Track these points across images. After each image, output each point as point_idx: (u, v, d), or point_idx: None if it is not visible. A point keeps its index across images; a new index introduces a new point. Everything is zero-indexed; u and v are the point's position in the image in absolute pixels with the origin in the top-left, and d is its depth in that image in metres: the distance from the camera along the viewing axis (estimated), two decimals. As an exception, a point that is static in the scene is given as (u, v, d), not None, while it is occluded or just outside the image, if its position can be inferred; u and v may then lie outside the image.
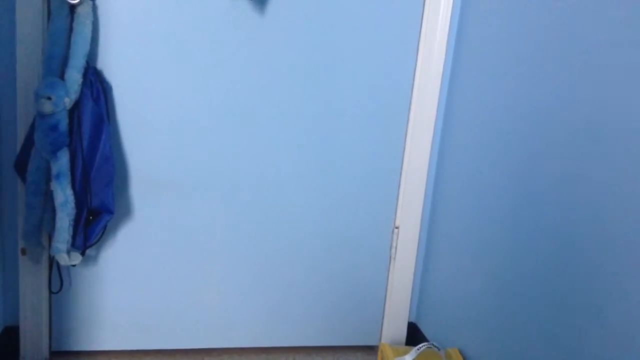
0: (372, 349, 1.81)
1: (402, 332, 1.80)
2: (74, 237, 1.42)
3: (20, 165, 1.41)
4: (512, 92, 1.32)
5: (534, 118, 1.22)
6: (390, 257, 1.75)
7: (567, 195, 1.09)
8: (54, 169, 1.37)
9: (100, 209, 1.44)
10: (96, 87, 1.42)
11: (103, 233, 1.52)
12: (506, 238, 1.31)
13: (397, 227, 1.73)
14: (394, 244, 1.74)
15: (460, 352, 1.46)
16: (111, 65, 1.47)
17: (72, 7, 1.36)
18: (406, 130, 1.67)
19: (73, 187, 1.39)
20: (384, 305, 1.79)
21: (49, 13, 1.39)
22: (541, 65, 1.20)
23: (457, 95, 1.60)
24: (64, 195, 1.37)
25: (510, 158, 1.31)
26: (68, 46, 1.36)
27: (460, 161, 1.57)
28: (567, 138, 1.10)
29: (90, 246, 1.48)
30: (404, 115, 1.66)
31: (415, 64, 1.63)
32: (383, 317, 1.80)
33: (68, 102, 1.35)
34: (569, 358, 1.06)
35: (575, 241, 1.06)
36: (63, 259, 1.43)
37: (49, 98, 1.32)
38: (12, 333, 1.55)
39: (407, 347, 1.45)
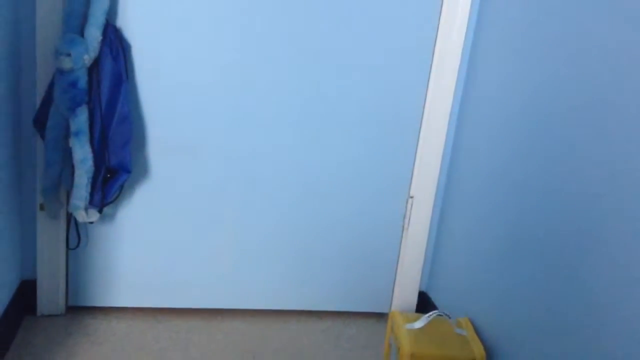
0: (382, 316, 1.83)
1: (413, 301, 1.82)
2: (91, 194, 1.43)
3: (39, 122, 1.42)
4: (530, 64, 1.30)
5: (549, 91, 1.20)
6: (403, 226, 1.76)
7: (579, 165, 1.08)
8: (73, 126, 1.37)
9: (117, 167, 1.45)
10: (115, 45, 1.41)
11: (120, 192, 1.53)
12: (519, 211, 1.31)
13: (411, 197, 1.73)
14: (407, 214, 1.74)
15: (471, 321, 1.47)
16: (130, 24, 1.46)
17: (93, -37, 1.35)
18: (424, 100, 1.65)
19: (91, 145, 1.40)
20: (396, 273, 1.80)
21: (70, -31, 1.38)
22: (560, 46, 1.18)
23: (477, 65, 1.58)
24: (82, 153, 1.39)
25: (527, 130, 1.30)
26: (88, 3, 1.35)
27: (478, 132, 1.55)
28: (578, 109, 1.08)
29: (108, 204, 1.50)
30: (422, 83, 1.64)
31: (437, 27, 1.60)
32: (394, 285, 1.81)
33: (87, 59, 1.35)
34: (579, 327, 1.07)
35: (586, 212, 1.06)
36: (81, 216, 1.45)
37: (69, 55, 1.32)
38: (30, 287, 1.59)
39: (418, 315, 1.46)
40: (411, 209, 1.73)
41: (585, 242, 1.07)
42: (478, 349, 1.35)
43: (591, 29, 1.10)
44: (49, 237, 1.55)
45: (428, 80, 1.64)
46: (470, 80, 1.62)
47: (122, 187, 1.51)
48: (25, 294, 1.58)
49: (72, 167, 1.41)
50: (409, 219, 1.74)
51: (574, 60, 1.15)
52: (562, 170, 1.16)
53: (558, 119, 1.19)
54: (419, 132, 1.68)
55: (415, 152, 1.69)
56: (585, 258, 1.07)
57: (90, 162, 1.40)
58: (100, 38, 1.36)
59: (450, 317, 1.44)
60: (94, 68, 1.39)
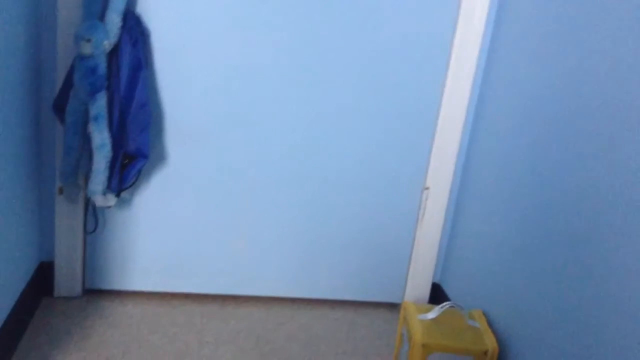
0: (394, 306, 1.84)
1: (426, 292, 1.82)
2: (109, 179, 1.45)
3: (59, 107, 1.44)
4: (552, 55, 1.28)
5: (571, 83, 1.19)
6: (418, 217, 1.75)
7: (597, 159, 1.07)
8: (92, 112, 1.39)
9: (135, 153, 1.47)
10: (135, 32, 1.42)
11: (138, 177, 1.55)
12: (535, 204, 1.30)
13: (427, 188, 1.72)
14: (422, 205, 1.74)
15: (484, 313, 1.47)
16: (150, 11, 1.47)
17: (114, -51, 1.36)
18: (441, 92, 1.64)
19: (110, 130, 1.42)
20: (409, 264, 1.80)
21: (91, -46, 1.39)
22: (584, 37, 1.17)
23: (497, 57, 1.57)
24: (101, 138, 1.40)
25: (545, 122, 1.29)
26: (109, -11, 1.37)
27: (495, 124, 1.54)
28: (600, 103, 1.07)
29: (125, 189, 1.52)
30: (440, 75, 1.63)
31: (457, 16, 1.59)
32: (407, 276, 1.81)
33: (107, 45, 1.36)
34: (593, 320, 1.06)
35: (602, 205, 1.05)
36: (98, 200, 1.47)
37: (89, 40, 1.33)
38: (48, 269, 1.61)
39: (430, 306, 1.46)
40: (426, 200, 1.73)
41: (600, 236, 1.07)
42: (490, 341, 1.35)
43: (616, 19, 1.09)
44: (67, 220, 1.57)
45: (446, 71, 1.63)
46: (489, 72, 1.60)
47: (139, 172, 1.52)
48: (44, 275, 1.61)
49: (91, 152, 1.43)
50: (424, 210, 1.74)
51: (598, 52, 1.14)
52: (579, 163, 1.15)
53: (579, 112, 1.18)
54: (435, 124, 1.67)
55: (432, 143, 1.69)
56: (601, 251, 1.06)
57: (108, 147, 1.42)
58: (120, 24, 1.37)
59: (463, 309, 1.44)
60: (114, 54, 1.40)
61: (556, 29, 1.29)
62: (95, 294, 1.69)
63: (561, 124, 1.23)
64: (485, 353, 1.34)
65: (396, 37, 1.58)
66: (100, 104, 1.38)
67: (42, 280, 1.60)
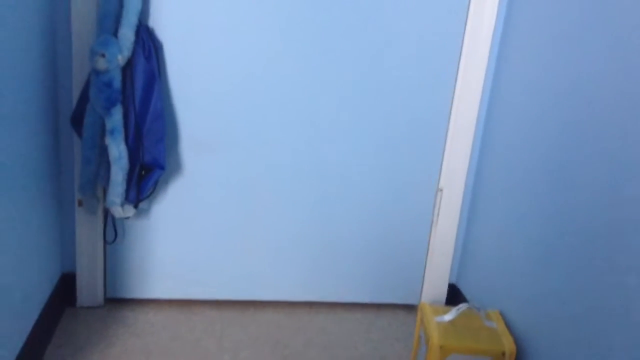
0: (412, 308, 1.85)
1: (443, 293, 1.83)
2: (127, 190, 1.48)
3: (76, 120, 1.47)
4: (567, 51, 1.28)
5: (587, 81, 1.19)
6: (432, 219, 1.76)
7: (618, 158, 1.07)
8: (108, 125, 1.42)
9: (152, 164, 1.49)
10: (148, 45, 1.45)
11: (155, 187, 1.57)
12: (551, 202, 1.30)
13: (440, 190, 1.73)
14: (437, 206, 1.74)
15: (501, 314, 1.48)
16: (162, 23, 1.50)
17: (125, -34, 1.38)
18: (453, 91, 1.65)
19: (126, 142, 1.45)
20: (425, 265, 1.81)
21: (103, -29, 1.41)
22: (598, 32, 1.17)
23: (507, 55, 1.57)
24: (117, 151, 1.43)
25: (561, 120, 1.29)
26: (121, 4, 1.39)
27: (508, 124, 1.54)
28: (618, 101, 1.07)
29: (143, 200, 1.54)
30: (451, 75, 1.64)
31: (466, 19, 1.60)
32: (424, 277, 1.82)
33: (121, 59, 1.38)
34: (613, 323, 1.07)
35: (622, 206, 1.05)
36: (117, 212, 1.50)
37: (103, 55, 1.36)
38: (70, 280, 1.65)
39: (447, 307, 1.47)
40: (440, 201, 1.73)
41: (619, 234, 1.07)
42: (508, 342, 1.36)
43: (631, 15, 1.09)
44: (87, 232, 1.60)
45: (457, 71, 1.63)
46: (500, 70, 1.61)
47: (156, 183, 1.55)
48: (66, 286, 1.64)
49: (108, 164, 1.46)
50: (439, 212, 1.74)
51: (612, 50, 1.14)
52: (595, 159, 1.15)
53: (593, 107, 1.18)
54: (448, 125, 1.68)
55: (444, 145, 1.69)
56: (620, 250, 1.06)
57: (125, 160, 1.44)
58: (133, 38, 1.40)
59: (480, 310, 1.45)
60: (128, 68, 1.43)
61: (567, 26, 1.29)
62: (117, 303, 1.72)
63: (575, 120, 1.23)
64: (503, 354, 1.34)
65: (407, 39, 1.59)
66: (116, 117, 1.41)
67: (64, 291, 1.64)
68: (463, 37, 1.61)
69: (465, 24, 1.59)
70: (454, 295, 1.81)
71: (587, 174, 1.17)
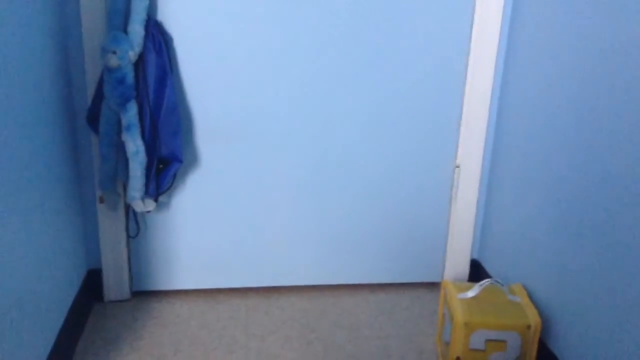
0: (434, 286, 1.85)
1: (465, 269, 1.83)
2: (146, 185, 1.49)
3: (92, 118, 1.48)
4: (582, 25, 1.27)
5: (606, 52, 1.17)
6: (451, 196, 1.76)
7: (630, 126, 1.06)
8: (124, 121, 1.43)
9: (169, 157, 1.51)
10: (158, 39, 1.45)
11: (173, 180, 1.59)
12: (571, 173, 1.29)
13: (457, 167, 1.72)
14: (455, 183, 1.74)
15: (524, 287, 1.48)
16: (171, 16, 1.50)
17: (131, -39, 1.39)
18: (466, 66, 1.64)
19: (143, 137, 1.46)
20: (446, 242, 1.81)
21: (109, -32, 1.42)
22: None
23: (520, 29, 1.55)
24: (135, 146, 1.44)
25: (580, 91, 1.28)
26: (129, 0, 1.39)
27: (524, 97, 1.53)
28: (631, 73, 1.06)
29: (162, 193, 1.56)
30: (464, 51, 1.63)
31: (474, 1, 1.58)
32: (445, 255, 1.83)
33: (132, 55, 1.39)
34: (636, 295, 1.06)
35: (644, 176, 1.04)
36: (138, 206, 1.52)
37: (114, 52, 1.37)
38: (96, 275, 1.67)
39: (470, 284, 1.47)
40: (458, 178, 1.73)
41: None
42: (533, 315, 1.36)
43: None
44: (110, 227, 1.62)
45: (469, 48, 1.62)
46: (512, 45, 1.59)
47: (174, 175, 1.56)
48: (93, 282, 1.67)
49: (126, 159, 1.47)
50: (457, 189, 1.74)
51: (628, 26, 1.12)
52: (617, 135, 1.14)
53: (615, 79, 1.17)
54: (462, 101, 1.67)
55: (459, 122, 1.69)
56: None
57: (142, 154, 1.46)
58: (143, 33, 1.40)
59: (502, 285, 1.45)
60: (140, 63, 1.44)
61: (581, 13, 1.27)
62: (143, 295, 1.75)
63: (593, 89, 1.22)
64: (529, 327, 1.34)
65: (418, 22, 1.58)
66: (131, 113, 1.42)
67: (91, 286, 1.67)
68: (473, 17, 1.59)
69: (474, 4, 1.58)
70: (477, 271, 1.81)
71: (609, 144, 1.16)
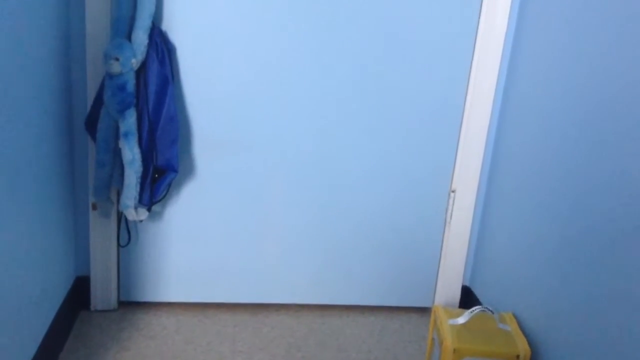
0: (425, 311, 1.84)
1: (456, 295, 1.82)
2: (140, 193, 1.49)
3: (91, 124, 1.48)
4: (575, 48, 1.28)
5: (596, 77, 1.18)
6: (445, 220, 1.76)
7: (632, 158, 1.06)
8: (122, 128, 1.42)
9: (165, 167, 1.50)
10: (161, 48, 1.45)
11: (168, 190, 1.58)
12: (566, 203, 1.29)
13: (453, 191, 1.72)
14: (449, 208, 1.74)
15: (515, 316, 1.47)
16: (175, 26, 1.51)
17: (139, -30, 1.39)
18: (465, 91, 1.65)
19: (140, 145, 1.45)
20: (438, 268, 1.81)
21: (117, -24, 1.43)
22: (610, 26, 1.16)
23: (520, 55, 1.56)
24: (131, 154, 1.43)
25: (575, 119, 1.28)
26: (134, 8, 1.40)
27: (521, 124, 1.54)
28: (630, 94, 1.07)
29: (156, 202, 1.55)
30: (464, 73, 1.64)
31: (480, 11, 1.59)
32: (437, 280, 1.82)
33: (135, 63, 1.39)
34: (631, 324, 1.06)
35: (636, 204, 1.04)
36: (131, 214, 1.51)
37: (117, 59, 1.37)
38: (84, 283, 1.65)
39: (461, 310, 1.46)
40: (453, 203, 1.73)
41: (635, 236, 1.06)
42: (522, 345, 1.35)
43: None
44: (101, 235, 1.61)
45: (470, 70, 1.63)
46: (514, 70, 1.60)
47: (169, 186, 1.56)
48: (80, 289, 1.65)
49: (122, 167, 1.47)
50: (451, 213, 1.74)
51: (627, 41, 1.13)
52: (611, 160, 1.14)
53: (608, 106, 1.17)
54: (460, 125, 1.67)
55: (457, 146, 1.69)
56: (635, 251, 1.05)
57: (139, 163, 1.45)
58: (146, 42, 1.41)
59: (493, 312, 1.44)
60: (141, 71, 1.44)
61: (581, 20, 1.29)
62: (130, 306, 1.73)
63: (590, 119, 1.23)
64: (517, 357, 1.33)
65: (419, 37, 1.59)
66: (129, 120, 1.42)
67: (78, 294, 1.64)
68: (475, 36, 1.60)
69: (478, 21, 1.59)
70: (468, 298, 1.80)
71: (604, 174, 1.16)
